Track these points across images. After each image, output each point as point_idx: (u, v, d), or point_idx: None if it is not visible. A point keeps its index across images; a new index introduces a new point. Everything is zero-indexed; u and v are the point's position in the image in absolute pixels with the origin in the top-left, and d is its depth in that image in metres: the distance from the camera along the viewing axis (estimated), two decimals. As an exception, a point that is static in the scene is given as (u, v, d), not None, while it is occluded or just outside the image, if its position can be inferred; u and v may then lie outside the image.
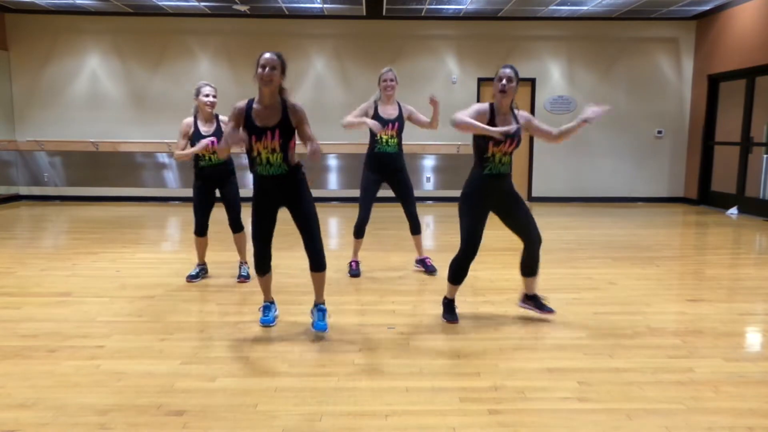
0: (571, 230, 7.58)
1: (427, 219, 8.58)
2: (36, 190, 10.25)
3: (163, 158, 10.19)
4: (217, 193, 4.80)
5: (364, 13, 9.66)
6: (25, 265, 5.41)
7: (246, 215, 4.30)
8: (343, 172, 10.23)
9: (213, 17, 9.88)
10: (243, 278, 4.83)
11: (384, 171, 4.86)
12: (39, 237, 7.36)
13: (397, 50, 10.03)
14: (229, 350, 3.36)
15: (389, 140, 4.78)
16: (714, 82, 9.71)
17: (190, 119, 4.66)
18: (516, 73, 3.55)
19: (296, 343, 3.48)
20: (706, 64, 9.82)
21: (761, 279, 5.07)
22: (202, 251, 4.92)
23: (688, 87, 10.27)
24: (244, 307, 4.13)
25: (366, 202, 4.90)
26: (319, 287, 3.70)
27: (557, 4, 9.06)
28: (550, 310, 3.90)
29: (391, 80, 4.76)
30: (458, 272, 3.75)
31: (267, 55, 3.30)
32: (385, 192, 5.09)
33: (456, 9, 9.44)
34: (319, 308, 3.70)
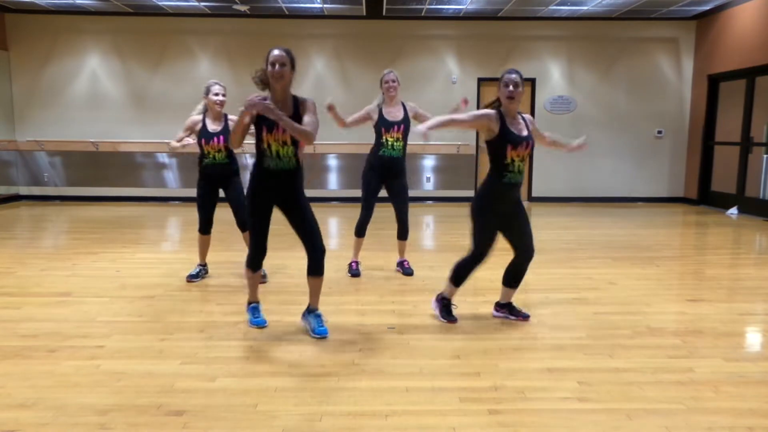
0: (571, 230, 7.57)
1: (427, 219, 8.59)
2: (36, 190, 10.26)
3: (163, 158, 10.20)
4: (221, 193, 4.80)
5: (364, 13, 9.66)
6: (25, 265, 5.41)
7: None
8: (343, 172, 10.23)
9: (213, 17, 9.89)
10: (262, 280, 4.74)
11: (386, 174, 4.86)
12: (39, 237, 7.36)
13: (397, 50, 10.03)
14: (229, 350, 3.36)
15: (395, 143, 4.78)
16: (714, 82, 9.72)
17: (198, 116, 4.65)
18: (522, 78, 3.55)
19: (296, 343, 3.48)
20: (706, 64, 9.82)
21: (761, 279, 5.07)
22: (203, 251, 4.92)
23: (688, 87, 10.28)
24: (244, 307, 4.13)
25: (369, 202, 4.90)
26: (316, 292, 3.66)
27: (557, 4, 9.06)
28: (525, 316, 3.89)
29: (393, 81, 4.76)
30: (464, 275, 3.79)
31: (276, 51, 3.31)
32: (385, 192, 5.08)
33: (456, 9, 9.44)
34: (316, 314, 3.66)
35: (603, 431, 2.47)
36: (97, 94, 10.05)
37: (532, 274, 4.30)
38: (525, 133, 3.59)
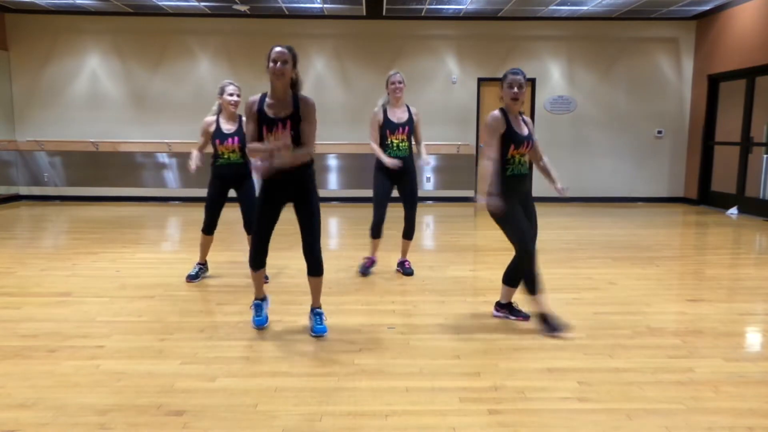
0: (571, 230, 7.58)
1: (427, 219, 8.58)
2: (36, 190, 10.26)
3: (163, 158, 10.19)
4: (230, 193, 4.78)
5: (364, 13, 9.65)
6: (25, 265, 5.41)
7: None
8: (343, 172, 10.22)
9: (213, 17, 9.89)
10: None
11: (395, 174, 4.86)
12: (39, 237, 7.36)
13: (397, 50, 10.03)
14: (229, 350, 3.36)
15: (400, 144, 4.80)
16: (714, 82, 9.72)
17: (211, 118, 4.63)
18: (525, 78, 3.58)
19: (296, 343, 3.48)
20: (706, 64, 9.82)
21: (761, 279, 5.07)
22: (205, 250, 4.92)
23: (688, 87, 10.28)
24: (244, 307, 4.13)
25: (380, 204, 4.88)
26: (316, 291, 3.68)
27: (557, 4, 9.06)
28: (525, 316, 3.89)
29: (399, 83, 4.76)
30: (535, 277, 3.61)
31: (278, 48, 3.30)
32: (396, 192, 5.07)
33: (456, 9, 9.44)
34: (316, 312, 3.68)
35: (603, 431, 2.47)
36: (97, 94, 10.06)
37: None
38: (526, 132, 3.64)
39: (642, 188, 10.46)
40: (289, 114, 3.35)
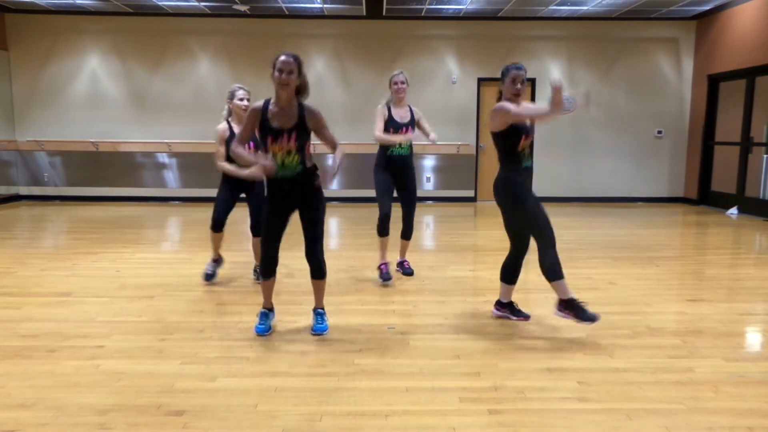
0: (571, 230, 7.57)
1: (427, 219, 8.58)
2: (36, 190, 10.26)
3: (163, 158, 10.20)
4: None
5: (364, 13, 9.66)
6: (25, 265, 5.41)
7: None
8: (343, 172, 10.20)
9: (213, 17, 9.89)
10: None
11: (396, 172, 4.84)
12: (39, 237, 7.36)
13: (397, 50, 10.03)
14: (229, 350, 3.36)
15: (403, 143, 4.79)
16: (714, 82, 9.72)
17: (224, 125, 4.62)
18: (526, 72, 3.61)
19: (296, 343, 3.48)
20: (706, 64, 9.82)
21: (761, 279, 5.07)
22: (217, 244, 4.86)
23: (688, 87, 10.28)
24: (244, 307, 4.13)
25: (384, 199, 4.84)
26: (319, 293, 3.70)
27: (557, 4, 9.06)
28: (526, 316, 3.88)
29: (402, 83, 4.74)
30: (558, 263, 3.57)
31: (283, 57, 3.26)
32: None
33: (456, 9, 9.44)
34: (317, 312, 3.69)
35: (603, 431, 2.47)
36: (97, 94, 10.06)
37: (532, 274, 4.31)
38: (528, 122, 3.65)
39: (642, 188, 10.46)
40: (294, 125, 3.35)
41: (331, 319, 3.76)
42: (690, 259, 5.99)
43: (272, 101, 3.38)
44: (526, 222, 3.62)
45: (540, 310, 4.06)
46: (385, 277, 4.80)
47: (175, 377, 2.97)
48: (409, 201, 4.95)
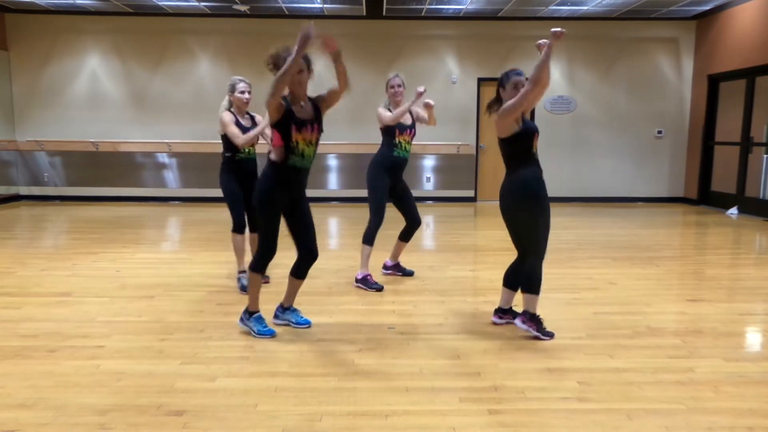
0: (571, 230, 7.58)
1: (427, 219, 8.58)
2: (36, 190, 10.26)
3: (163, 158, 10.19)
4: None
5: (364, 13, 9.66)
6: (25, 265, 5.41)
7: None
8: (343, 172, 10.21)
9: (213, 17, 9.89)
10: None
11: (395, 175, 4.82)
12: (39, 237, 7.36)
13: (397, 50, 10.03)
14: (229, 350, 3.36)
15: (407, 145, 4.78)
16: (714, 82, 9.72)
17: (230, 114, 4.47)
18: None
19: (296, 343, 3.48)
20: (706, 64, 9.82)
21: (761, 279, 5.07)
22: (240, 254, 4.61)
23: (688, 87, 10.28)
24: (244, 308, 4.13)
25: (383, 207, 4.74)
26: (296, 292, 3.79)
27: (557, 4, 9.06)
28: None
29: (399, 86, 4.69)
30: (540, 278, 3.58)
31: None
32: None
33: (456, 9, 9.44)
34: (293, 309, 3.78)
35: (603, 431, 2.47)
36: (97, 94, 10.06)
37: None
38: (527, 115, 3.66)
39: (642, 188, 10.46)
40: (314, 116, 3.56)
41: (331, 319, 3.77)
42: (690, 259, 5.99)
43: (289, 99, 3.49)
44: (531, 226, 3.57)
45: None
46: (377, 286, 4.63)
47: (175, 377, 2.97)
48: (411, 203, 4.91)
